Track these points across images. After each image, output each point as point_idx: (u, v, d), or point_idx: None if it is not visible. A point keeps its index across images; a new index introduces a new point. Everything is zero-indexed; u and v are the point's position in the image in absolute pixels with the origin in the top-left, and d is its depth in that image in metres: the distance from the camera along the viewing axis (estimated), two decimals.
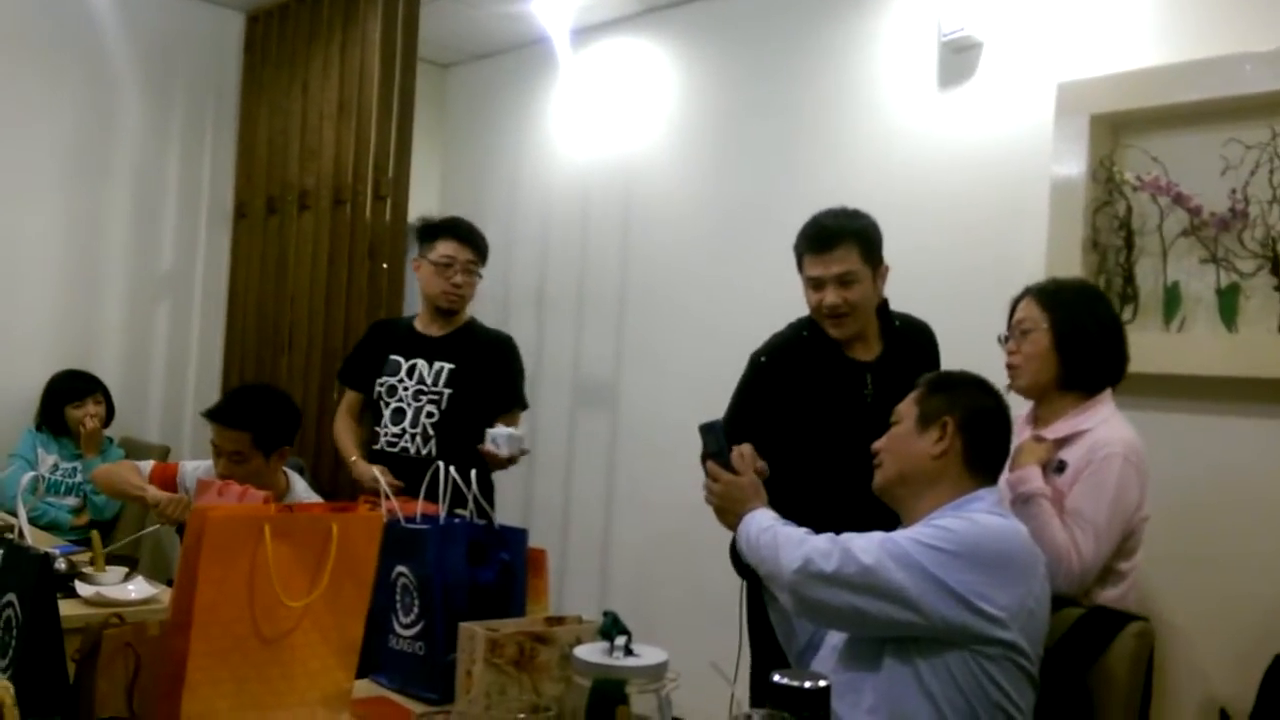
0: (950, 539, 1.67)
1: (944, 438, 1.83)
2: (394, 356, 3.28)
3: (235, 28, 4.95)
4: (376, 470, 3.05)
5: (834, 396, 2.48)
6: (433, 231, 3.29)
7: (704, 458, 1.97)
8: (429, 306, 3.31)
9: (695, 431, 2.00)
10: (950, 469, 1.82)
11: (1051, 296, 2.30)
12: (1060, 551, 2.08)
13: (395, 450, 3.21)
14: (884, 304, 2.57)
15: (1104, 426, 2.23)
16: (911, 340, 2.58)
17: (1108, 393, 2.28)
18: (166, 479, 2.99)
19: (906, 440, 1.86)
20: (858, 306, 2.44)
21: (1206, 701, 2.78)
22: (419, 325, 3.34)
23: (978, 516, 1.73)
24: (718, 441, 1.95)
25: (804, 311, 2.56)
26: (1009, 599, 1.67)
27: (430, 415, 3.20)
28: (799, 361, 2.52)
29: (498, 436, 3.00)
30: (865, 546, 1.68)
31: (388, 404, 3.25)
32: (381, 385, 3.27)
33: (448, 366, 3.23)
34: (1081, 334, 2.25)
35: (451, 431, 3.19)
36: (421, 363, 3.25)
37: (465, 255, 3.25)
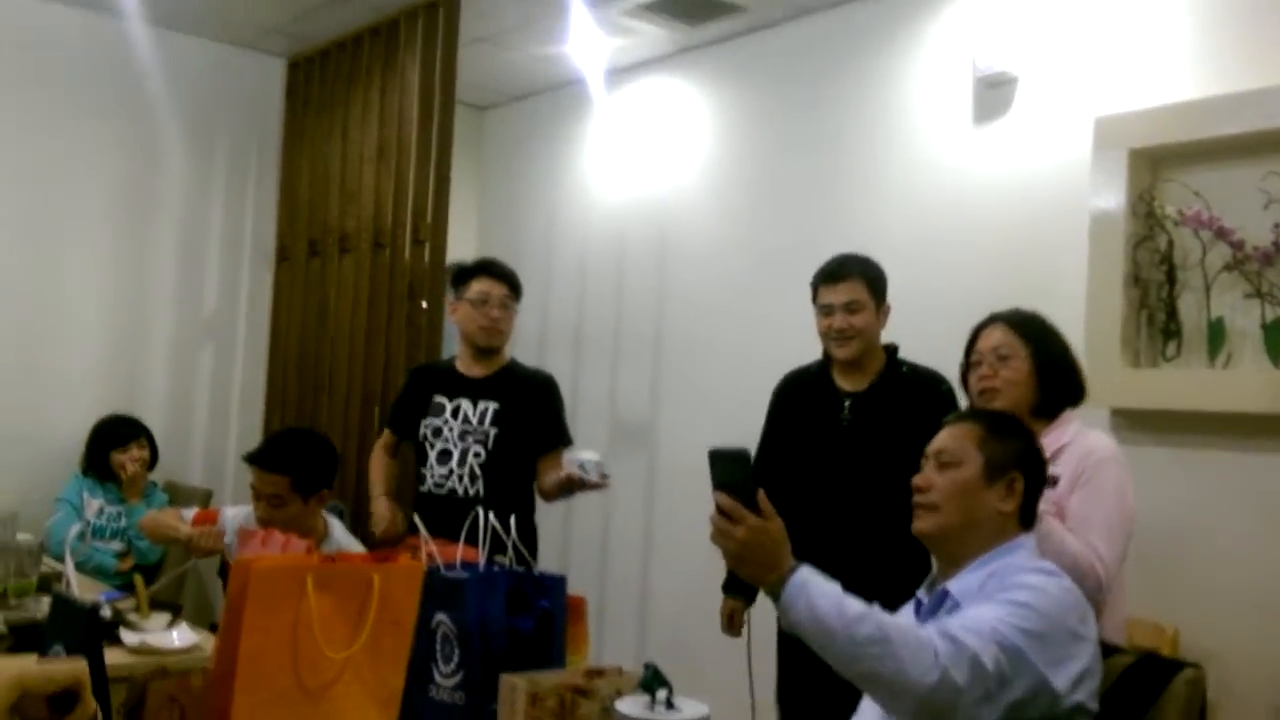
0: (1035, 619, 1.62)
1: (1012, 494, 1.80)
2: (438, 398, 3.30)
3: (277, 74, 5.04)
4: (389, 511, 3.24)
5: (812, 419, 2.92)
6: (467, 273, 3.34)
7: (716, 489, 1.63)
8: (469, 347, 3.33)
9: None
10: (1008, 522, 1.81)
11: (1026, 326, 2.46)
12: (1083, 563, 2.11)
13: (443, 492, 3.22)
14: (893, 349, 2.92)
15: (1082, 437, 2.34)
16: (911, 385, 2.84)
17: (1069, 411, 2.42)
18: (208, 524, 3.01)
19: (973, 491, 1.80)
20: (862, 331, 2.83)
21: None
22: (460, 366, 3.36)
23: (1037, 581, 1.69)
24: (739, 473, 1.62)
25: None
26: (1080, 665, 1.65)
27: (477, 455, 3.21)
28: (797, 388, 3.00)
29: (587, 463, 2.99)
30: (982, 647, 1.56)
31: (433, 445, 3.26)
32: (427, 427, 3.28)
33: (492, 406, 3.24)
34: (1057, 361, 2.44)
35: (499, 471, 3.20)
36: (466, 403, 3.26)
37: (500, 290, 3.28)
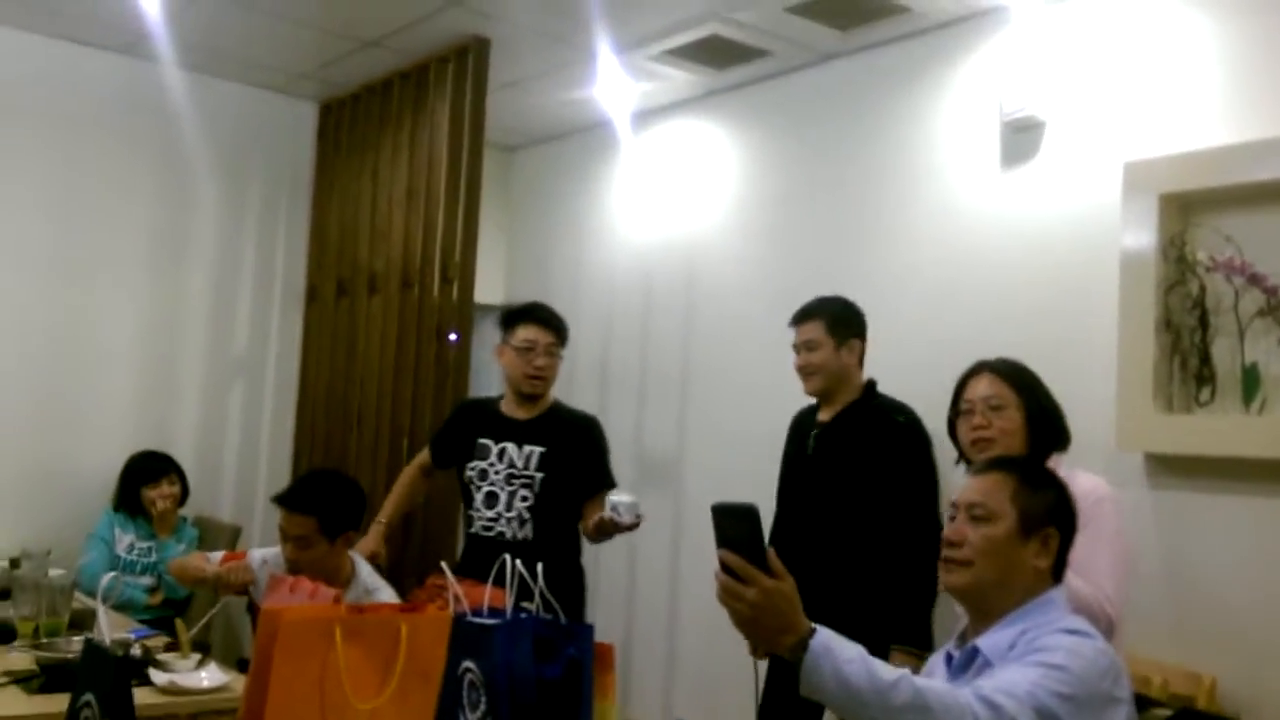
0: (1070, 682, 1.60)
1: (1046, 550, 1.79)
2: (483, 440, 3.32)
3: (309, 117, 5.12)
4: (374, 543, 3.31)
5: (792, 450, 3.26)
6: (513, 318, 3.36)
7: (721, 546, 1.54)
8: (513, 391, 3.36)
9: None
10: (1042, 577, 1.80)
11: (1016, 376, 2.56)
12: (1093, 608, 2.15)
13: (492, 535, 3.25)
14: (871, 384, 3.15)
15: (1073, 479, 2.32)
16: (872, 415, 3.07)
17: (1056, 456, 2.51)
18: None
19: (1009, 548, 1.78)
20: (820, 367, 3.10)
21: None
22: (505, 409, 3.38)
23: (1071, 644, 1.66)
24: (746, 530, 1.52)
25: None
26: None
27: (525, 499, 3.24)
28: (797, 423, 3.30)
29: (619, 505, 3.03)
30: (1019, 711, 1.53)
31: (479, 488, 3.29)
32: (472, 470, 3.31)
33: (538, 450, 3.27)
34: (1047, 411, 2.56)
35: (547, 515, 3.24)
36: (511, 446, 3.29)
37: (546, 338, 3.31)
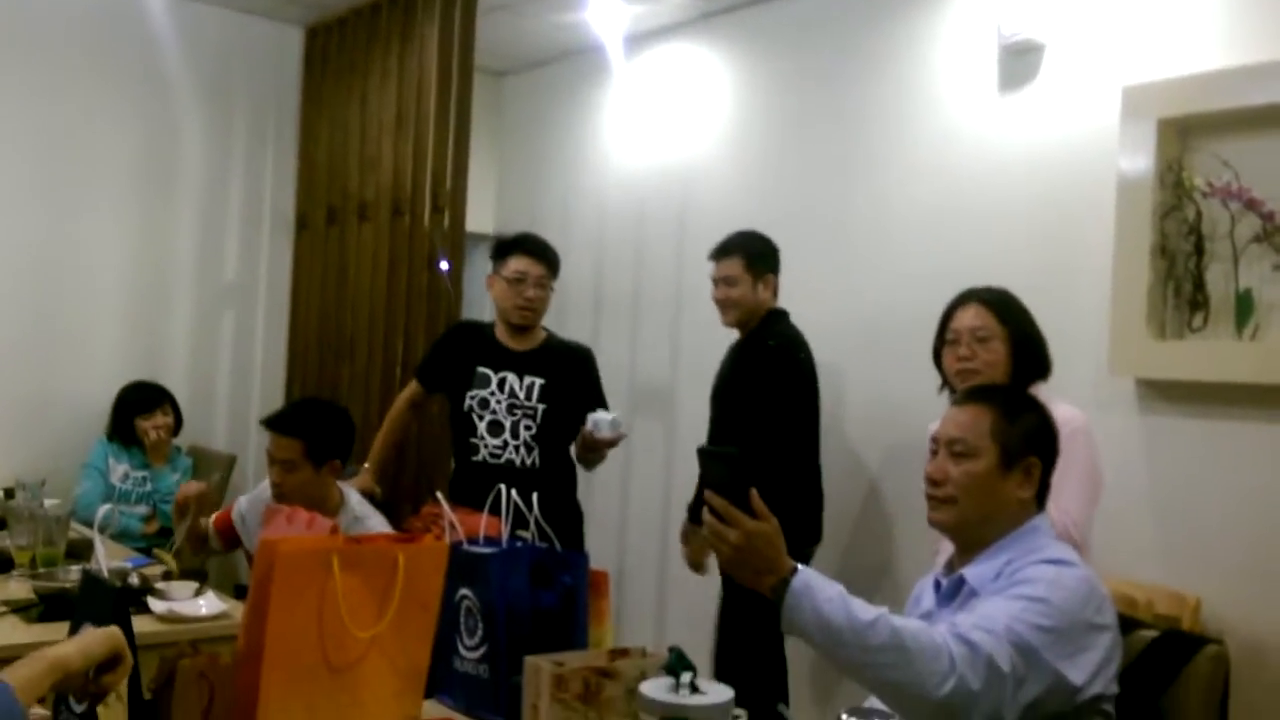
0: (1051, 613, 1.60)
1: (1029, 480, 1.79)
2: (481, 369, 3.33)
3: (294, 42, 5.01)
4: (367, 487, 3.29)
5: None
6: (504, 248, 3.35)
7: (707, 489, 1.56)
8: (504, 321, 3.37)
9: None
10: (1026, 506, 1.80)
11: (1003, 307, 2.59)
12: (1057, 527, 2.13)
13: (500, 461, 3.28)
14: (772, 314, 3.35)
15: (1051, 408, 2.31)
16: (750, 342, 3.33)
17: (1038, 385, 2.53)
18: (225, 521, 3.06)
19: (991, 483, 1.77)
20: (737, 303, 3.31)
21: None
22: (501, 338, 3.38)
23: (1051, 574, 1.67)
24: (729, 473, 1.55)
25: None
26: (1098, 655, 1.64)
27: (528, 428, 3.29)
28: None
29: (599, 421, 3.15)
30: (997, 648, 1.54)
31: (481, 417, 3.30)
32: (473, 398, 3.32)
33: (538, 382, 3.30)
34: (1032, 342, 2.59)
35: (551, 443, 3.30)
36: (511, 376, 3.31)
37: (537, 270, 3.30)
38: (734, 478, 1.53)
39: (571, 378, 3.35)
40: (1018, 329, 2.57)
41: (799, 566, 1.52)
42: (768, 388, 3.23)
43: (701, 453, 1.59)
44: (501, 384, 3.31)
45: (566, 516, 3.30)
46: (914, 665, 1.48)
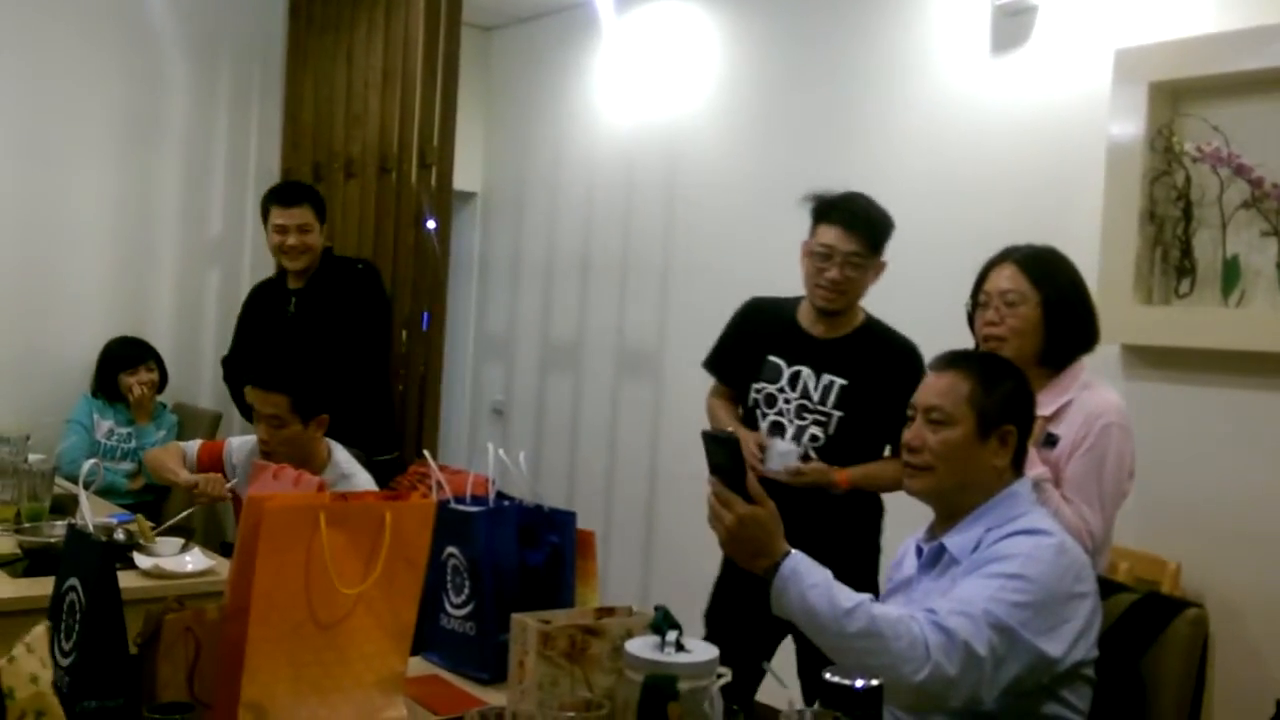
0: (1028, 589, 1.63)
1: (1006, 447, 1.80)
2: (773, 358, 2.75)
3: None
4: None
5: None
6: (818, 213, 2.70)
7: (712, 469, 1.62)
8: (809, 301, 2.76)
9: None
10: (1004, 473, 1.82)
11: (1039, 267, 2.32)
12: (1071, 534, 2.07)
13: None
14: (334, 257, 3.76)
15: (1088, 394, 2.26)
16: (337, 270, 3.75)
17: (1081, 360, 2.32)
18: (213, 456, 3.03)
19: (968, 451, 1.78)
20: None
21: (1262, 687, 2.73)
22: (803, 320, 2.77)
23: (1027, 547, 1.68)
24: (727, 458, 1.60)
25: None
26: (1078, 624, 1.67)
27: (815, 439, 2.69)
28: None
29: (772, 451, 2.66)
30: (974, 632, 1.57)
31: (765, 414, 2.75)
32: (758, 392, 2.76)
33: (839, 382, 2.68)
34: (1070, 309, 2.31)
35: (841, 461, 2.67)
36: (807, 372, 2.71)
37: (847, 246, 2.63)
38: (731, 462, 1.60)
39: (886, 383, 2.60)
40: (1054, 293, 2.28)
41: (791, 551, 1.60)
42: (355, 309, 3.77)
43: (705, 436, 1.65)
44: (794, 380, 2.72)
45: (860, 554, 2.71)
46: (890, 652, 1.55)
